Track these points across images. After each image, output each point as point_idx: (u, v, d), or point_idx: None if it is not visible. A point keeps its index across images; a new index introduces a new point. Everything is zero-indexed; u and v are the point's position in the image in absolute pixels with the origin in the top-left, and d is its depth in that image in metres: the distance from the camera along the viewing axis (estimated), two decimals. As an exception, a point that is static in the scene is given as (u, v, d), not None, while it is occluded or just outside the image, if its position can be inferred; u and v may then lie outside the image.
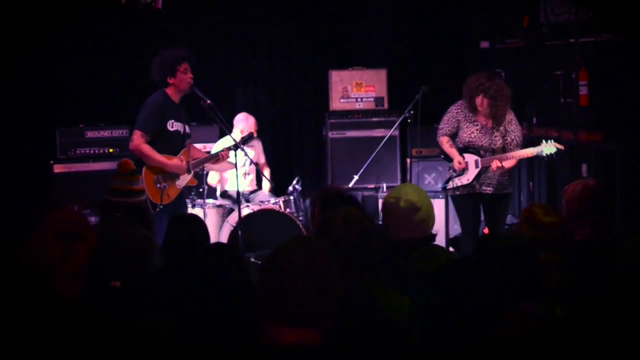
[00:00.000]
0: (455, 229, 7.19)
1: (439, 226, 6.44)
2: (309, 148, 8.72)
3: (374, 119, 8.08)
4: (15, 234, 2.44)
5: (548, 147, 5.90)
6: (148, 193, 5.61)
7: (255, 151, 7.38)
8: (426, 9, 8.57)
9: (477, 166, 6.03)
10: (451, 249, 6.68)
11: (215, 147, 7.01)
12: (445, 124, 6.22)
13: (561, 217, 3.59)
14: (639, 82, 6.04)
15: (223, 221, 6.84)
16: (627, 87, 6.24)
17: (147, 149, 5.68)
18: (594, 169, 6.46)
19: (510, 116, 6.06)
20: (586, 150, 6.48)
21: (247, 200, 7.19)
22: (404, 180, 7.91)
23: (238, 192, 6.09)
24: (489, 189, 6.07)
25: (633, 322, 2.53)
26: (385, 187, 7.82)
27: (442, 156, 6.35)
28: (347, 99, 8.18)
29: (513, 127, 6.03)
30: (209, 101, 5.82)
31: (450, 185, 6.17)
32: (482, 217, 6.33)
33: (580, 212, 3.97)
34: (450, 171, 6.21)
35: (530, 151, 5.96)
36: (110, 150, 7.52)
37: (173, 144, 5.83)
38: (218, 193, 7.32)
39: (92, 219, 6.53)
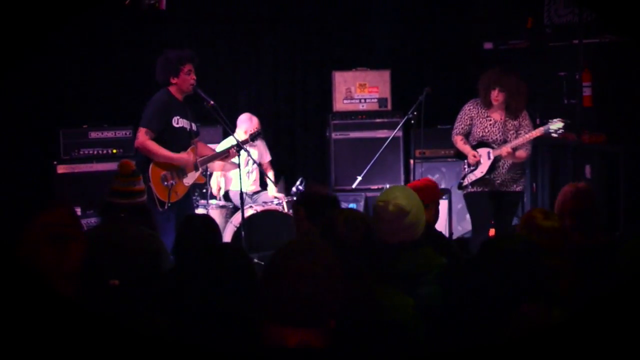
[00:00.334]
0: (459, 230, 7.18)
1: (441, 227, 6.47)
2: (312, 149, 8.70)
3: (378, 120, 8.06)
4: (18, 234, 2.44)
5: (555, 124, 5.91)
6: (156, 191, 5.61)
7: (258, 151, 7.37)
8: (430, 10, 8.57)
9: (489, 157, 6.05)
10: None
11: (219, 148, 7.00)
12: (459, 123, 6.24)
13: (562, 222, 3.61)
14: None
15: (226, 222, 6.84)
16: (630, 89, 6.24)
17: (153, 145, 5.68)
18: (597, 170, 6.45)
19: (525, 112, 6.10)
20: (590, 151, 6.48)
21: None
22: (407, 181, 7.89)
23: (241, 193, 6.10)
24: (499, 182, 6.08)
25: (633, 323, 2.53)
26: (388, 189, 7.78)
27: (456, 157, 6.35)
28: (350, 100, 8.17)
29: (527, 122, 6.08)
30: (212, 102, 5.81)
31: (465, 181, 6.18)
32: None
33: (569, 215, 3.99)
34: (465, 167, 6.22)
35: (538, 130, 5.97)
36: (114, 150, 7.50)
37: (179, 141, 5.80)
38: (218, 199, 7.29)
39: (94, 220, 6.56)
